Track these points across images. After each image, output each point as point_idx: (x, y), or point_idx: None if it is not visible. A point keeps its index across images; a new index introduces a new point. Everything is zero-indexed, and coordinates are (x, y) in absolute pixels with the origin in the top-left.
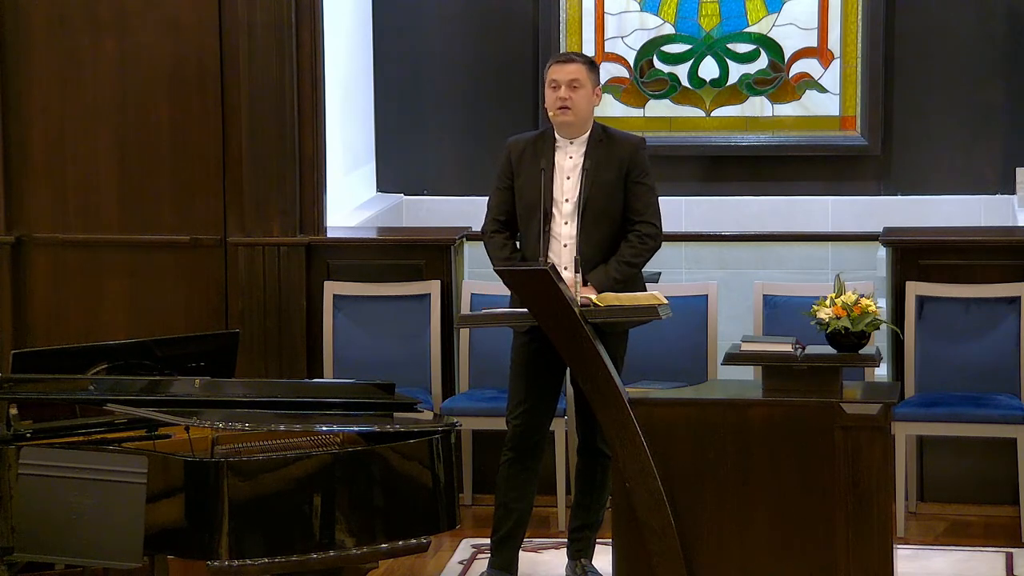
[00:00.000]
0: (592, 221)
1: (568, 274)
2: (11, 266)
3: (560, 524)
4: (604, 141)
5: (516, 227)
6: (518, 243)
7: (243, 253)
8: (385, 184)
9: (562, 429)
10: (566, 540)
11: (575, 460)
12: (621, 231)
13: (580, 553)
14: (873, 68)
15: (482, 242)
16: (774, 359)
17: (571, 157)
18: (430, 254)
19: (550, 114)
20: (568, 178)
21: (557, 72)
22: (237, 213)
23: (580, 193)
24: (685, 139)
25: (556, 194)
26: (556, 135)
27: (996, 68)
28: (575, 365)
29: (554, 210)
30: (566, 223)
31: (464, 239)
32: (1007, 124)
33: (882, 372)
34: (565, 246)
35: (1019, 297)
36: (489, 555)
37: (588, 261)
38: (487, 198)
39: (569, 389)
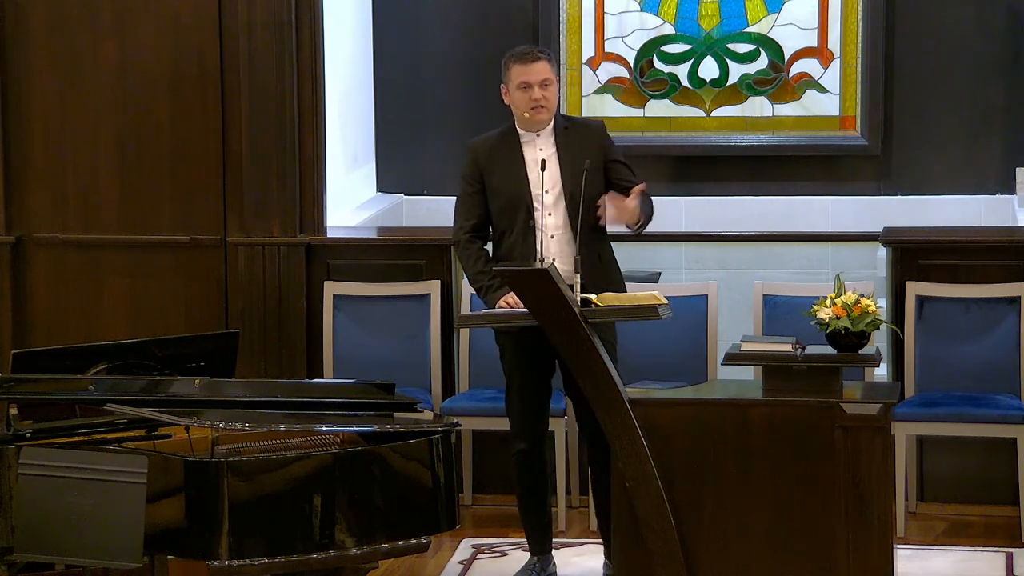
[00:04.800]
0: (583, 206)
1: (559, 265)
2: (11, 266)
3: (560, 524)
4: (570, 128)
5: (488, 231)
6: (490, 247)
7: (243, 253)
8: (385, 184)
9: (562, 430)
10: (570, 540)
11: (567, 462)
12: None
13: None
14: (873, 68)
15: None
16: (774, 359)
17: (541, 149)
18: (430, 254)
19: (524, 114)
20: (543, 170)
21: (526, 74)
22: (237, 213)
23: (562, 183)
24: (685, 139)
25: (534, 188)
26: (519, 130)
27: (996, 68)
28: (574, 365)
29: (535, 203)
30: (549, 214)
31: None
32: (1007, 124)
33: (882, 372)
34: (552, 237)
35: (1019, 297)
36: (528, 544)
37: (587, 244)
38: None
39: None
